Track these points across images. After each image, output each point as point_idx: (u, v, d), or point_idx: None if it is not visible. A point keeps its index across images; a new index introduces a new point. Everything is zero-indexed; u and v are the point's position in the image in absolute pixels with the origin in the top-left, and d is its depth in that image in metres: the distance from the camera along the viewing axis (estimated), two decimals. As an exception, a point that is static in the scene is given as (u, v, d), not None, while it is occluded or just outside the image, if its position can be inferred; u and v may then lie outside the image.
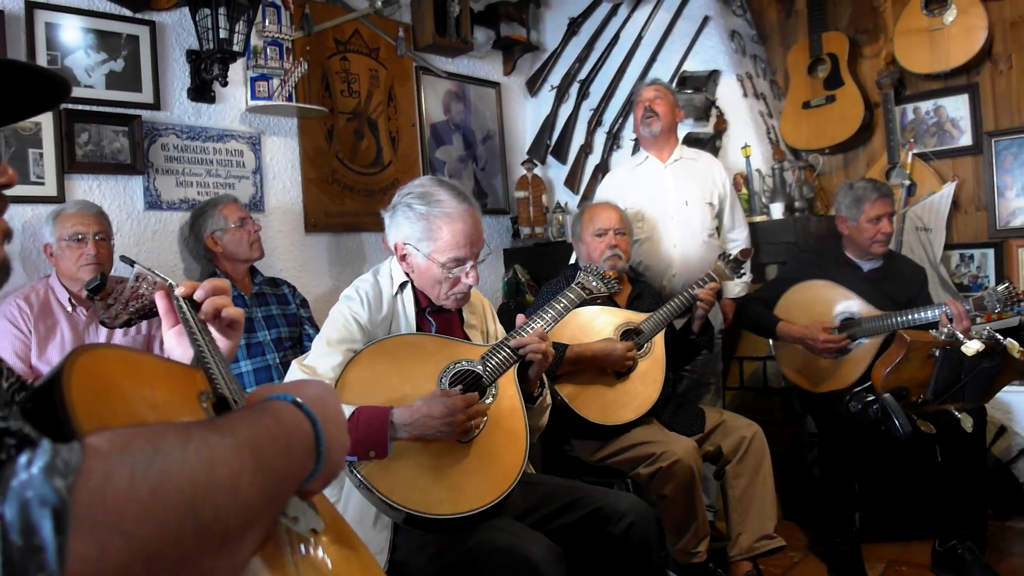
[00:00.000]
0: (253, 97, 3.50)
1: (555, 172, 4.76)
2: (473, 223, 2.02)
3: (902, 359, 1.32)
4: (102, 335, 2.76)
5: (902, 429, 1.27)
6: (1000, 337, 1.36)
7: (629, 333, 2.83)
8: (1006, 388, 3.29)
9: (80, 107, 3.04)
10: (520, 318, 2.09)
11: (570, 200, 4.61)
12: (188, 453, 0.62)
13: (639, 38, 4.42)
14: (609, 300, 2.97)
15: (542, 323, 2.03)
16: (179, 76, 3.36)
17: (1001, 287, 2.85)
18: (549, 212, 4.57)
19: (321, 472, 0.88)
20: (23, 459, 0.53)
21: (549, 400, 2.19)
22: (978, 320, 3.13)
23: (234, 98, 3.52)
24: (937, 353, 1.33)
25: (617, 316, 2.88)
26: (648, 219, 3.43)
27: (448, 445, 1.85)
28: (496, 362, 1.97)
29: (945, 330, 1.33)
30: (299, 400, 0.88)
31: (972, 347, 1.30)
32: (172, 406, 0.85)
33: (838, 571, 2.94)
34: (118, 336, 2.74)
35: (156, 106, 3.26)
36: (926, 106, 4.07)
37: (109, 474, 0.56)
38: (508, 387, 1.99)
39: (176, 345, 1.17)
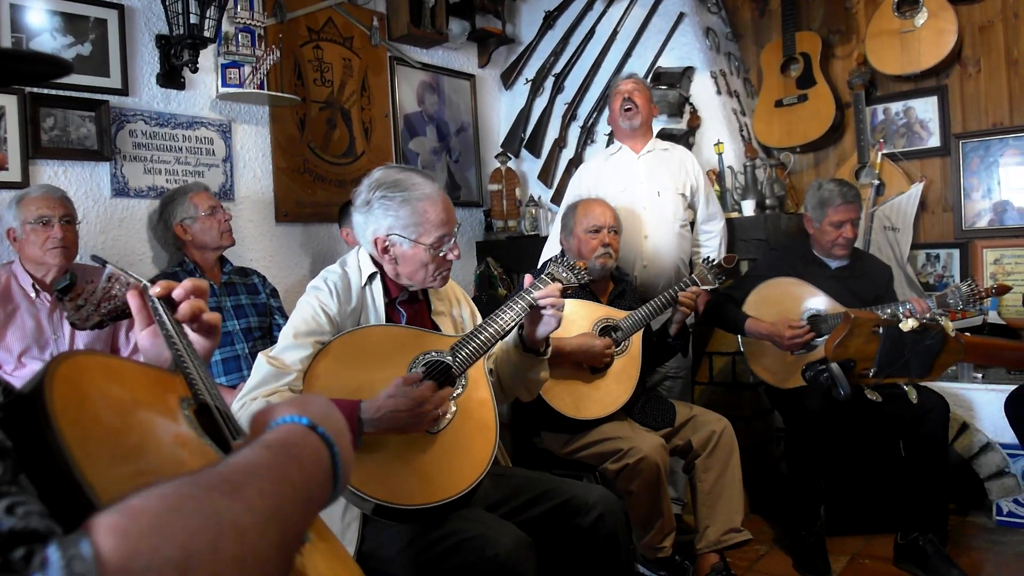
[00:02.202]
0: (224, 84, 3.45)
1: (529, 166, 4.76)
2: (447, 199, 2.07)
3: (847, 334, 1.50)
4: (66, 321, 2.71)
5: (843, 392, 1.46)
6: (938, 318, 1.50)
7: (608, 329, 2.84)
8: (968, 385, 3.38)
9: (46, 91, 2.98)
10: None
11: (543, 194, 4.61)
12: (219, 557, 0.56)
13: (614, 33, 4.43)
14: (591, 296, 2.98)
15: (512, 313, 2.03)
16: (148, 61, 3.30)
17: (964, 284, 2.90)
18: (522, 205, 4.57)
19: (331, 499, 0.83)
20: None
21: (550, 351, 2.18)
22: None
23: (204, 85, 3.47)
24: (880, 330, 1.47)
25: (596, 311, 2.88)
26: (620, 209, 3.44)
27: (417, 435, 1.84)
28: (466, 353, 1.96)
29: (889, 310, 1.49)
30: (315, 423, 0.82)
31: (908, 324, 1.47)
32: (154, 415, 0.83)
33: (803, 564, 2.97)
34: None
35: (124, 91, 3.20)
36: (896, 107, 4.12)
37: None
38: (478, 378, 1.99)
39: (150, 346, 1.13)
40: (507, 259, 4.44)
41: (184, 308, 1.12)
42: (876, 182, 4.01)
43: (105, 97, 3.14)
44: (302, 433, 0.80)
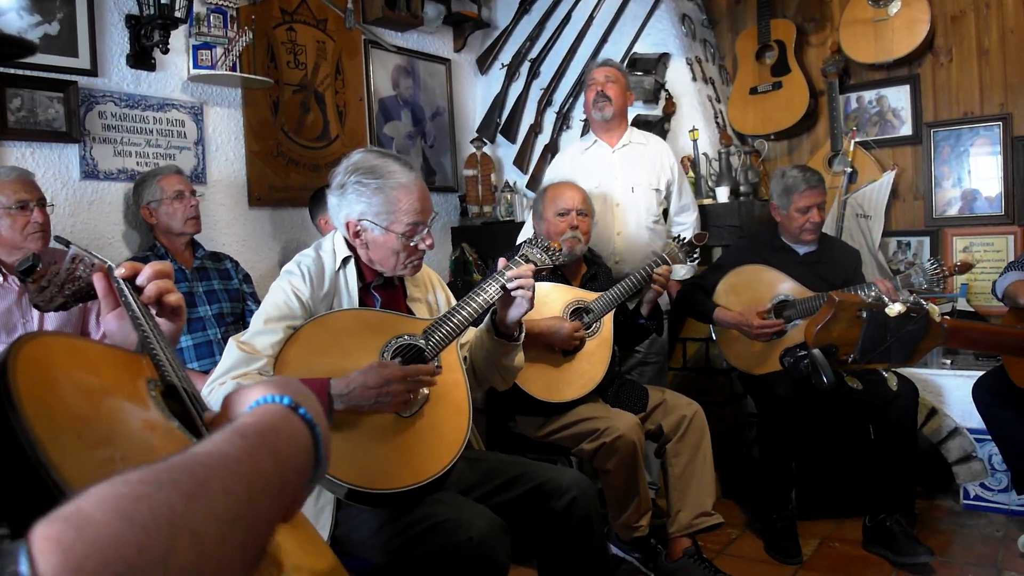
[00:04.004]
0: (195, 66, 3.40)
1: (504, 151, 4.74)
2: (424, 188, 2.04)
3: (831, 318, 1.43)
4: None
5: (827, 380, 1.40)
6: (923, 302, 1.47)
7: (578, 311, 2.84)
8: (937, 371, 3.43)
9: (12, 71, 2.91)
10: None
11: (519, 179, 4.60)
12: (168, 570, 0.50)
13: (590, 18, 4.42)
14: (563, 279, 2.98)
15: (485, 296, 2.02)
16: (118, 42, 3.24)
17: (929, 264, 2.92)
18: (498, 191, 4.56)
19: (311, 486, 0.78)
20: None
21: (523, 337, 2.18)
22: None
23: (175, 66, 3.42)
24: (864, 314, 1.43)
25: (568, 294, 2.88)
26: (595, 201, 3.43)
27: (390, 419, 1.83)
28: (439, 336, 1.96)
29: (873, 293, 1.43)
30: (296, 403, 0.78)
31: (895, 308, 1.43)
32: (121, 397, 0.82)
33: (774, 547, 3.01)
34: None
35: (93, 72, 3.15)
36: (869, 95, 4.16)
37: None
38: (451, 361, 1.99)
39: (117, 329, 1.12)
40: (482, 244, 4.43)
41: (149, 289, 1.11)
42: (849, 170, 4.04)
43: (74, 78, 3.08)
44: (282, 415, 0.76)
